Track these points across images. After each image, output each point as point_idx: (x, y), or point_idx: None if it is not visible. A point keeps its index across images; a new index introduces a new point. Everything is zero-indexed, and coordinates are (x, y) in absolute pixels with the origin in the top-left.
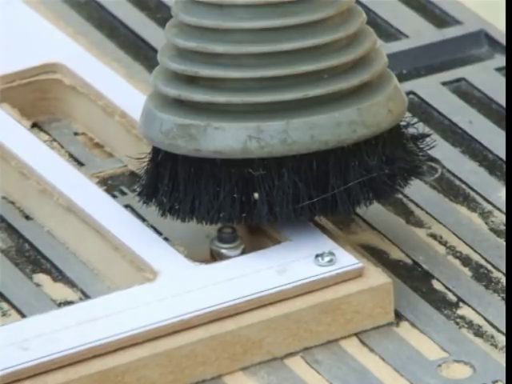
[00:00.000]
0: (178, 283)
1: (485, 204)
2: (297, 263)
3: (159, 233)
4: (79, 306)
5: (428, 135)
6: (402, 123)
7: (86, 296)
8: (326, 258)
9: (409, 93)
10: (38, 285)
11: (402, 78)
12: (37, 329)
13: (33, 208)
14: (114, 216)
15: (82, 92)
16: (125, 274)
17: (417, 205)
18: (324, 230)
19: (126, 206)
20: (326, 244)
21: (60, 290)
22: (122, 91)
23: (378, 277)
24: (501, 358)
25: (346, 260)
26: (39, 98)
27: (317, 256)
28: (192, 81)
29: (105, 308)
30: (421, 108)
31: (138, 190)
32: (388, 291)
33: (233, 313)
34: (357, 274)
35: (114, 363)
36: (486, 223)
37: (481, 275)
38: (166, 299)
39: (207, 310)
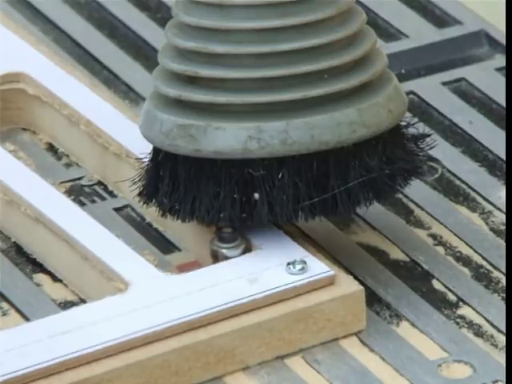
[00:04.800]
0: (149, 294)
1: (485, 204)
2: (268, 272)
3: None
4: (50, 319)
5: (428, 135)
6: (403, 123)
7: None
8: (298, 266)
9: (409, 93)
10: (38, 285)
11: (402, 78)
12: (8, 343)
13: (0, 219)
14: (83, 226)
15: (45, 101)
16: (95, 285)
17: (417, 205)
18: (295, 238)
19: (126, 206)
20: (297, 252)
21: (60, 290)
22: (87, 100)
23: (349, 284)
24: (501, 358)
25: (318, 268)
26: (2, 107)
27: (288, 264)
28: (192, 81)
29: (77, 320)
30: (421, 108)
31: (139, 190)
32: (360, 299)
33: (205, 323)
34: (328, 282)
35: (88, 375)
36: (486, 223)
37: (481, 275)
38: (138, 310)
39: (180, 321)
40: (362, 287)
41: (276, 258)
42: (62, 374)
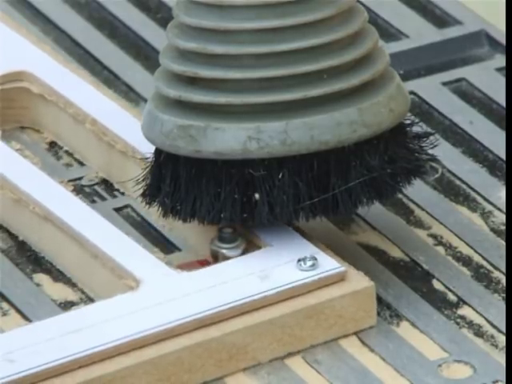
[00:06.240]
0: (161, 291)
1: (485, 204)
2: (279, 268)
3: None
4: (63, 317)
5: (431, 134)
6: (406, 122)
7: (86, 296)
8: (309, 263)
9: (409, 93)
10: (38, 285)
11: (402, 78)
12: (22, 341)
13: (8, 218)
14: (92, 224)
15: (50, 100)
16: (106, 283)
17: (417, 205)
18: (304, 235)
19: (127, 207)
20: (308, 248)
21: (60, 290)
22: (92, 98)
23: (360, 280)
24: (501, 358)
25: (328, 264)
26: (6, 106)
27: (299, 261)
28: (192, 82)
29: (88, 318)
30: (421, 108)
31: (142, 190)
32: (370, 295)
33: (217, 320)
34: (339, 278)
35: (101, 372)
36: (487, 223)
37: (481, 275)
38: (150, 308)
39: (191, 318)
40: (372, 283)
41: (286, 254)
42: (75, 372)
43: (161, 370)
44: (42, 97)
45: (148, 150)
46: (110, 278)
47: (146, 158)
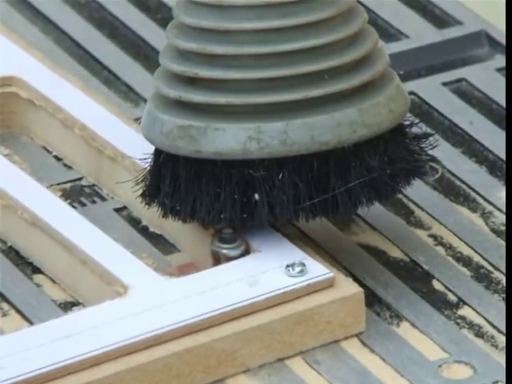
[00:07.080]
0: (149, 297)
1: (485, 204)
2: (268, 274)
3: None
4: (51, 323)
5: (431, 134)
6: (405, 122)
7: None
8: (297, 269)
9: (409, 93)
10: (38, 285)
11: (403, 78)
12: (10, 347)
13: None
14: (81, 230)
15: (39, 105)
16: (94, 289)
17: (417, 205)
18: (293, 240)
19: (127, 207)
20: (296, 254)
21: (60, 291)
22: (81, 104)
23: (349, 286)
24: (501, 359)
25: (317, 270)
26: None
27: (287, 266)
28: (192, 82)
29: (77, 324)
30: (421, 108)
31: (141, 191)
32: (359, 301)
33: (206, 326)
34: (328, 284)
35: (89, 378)
36: (487, 223)
37: (481, 275)
38: (139, 314)
39: (180, 324)
40: (361, 289)
41: (275, 260)
42: (64, 378)
43: (149, 377)
44: (31, 102)
45: (137, 154)
46: (99, 284)
47: (144, 159)
